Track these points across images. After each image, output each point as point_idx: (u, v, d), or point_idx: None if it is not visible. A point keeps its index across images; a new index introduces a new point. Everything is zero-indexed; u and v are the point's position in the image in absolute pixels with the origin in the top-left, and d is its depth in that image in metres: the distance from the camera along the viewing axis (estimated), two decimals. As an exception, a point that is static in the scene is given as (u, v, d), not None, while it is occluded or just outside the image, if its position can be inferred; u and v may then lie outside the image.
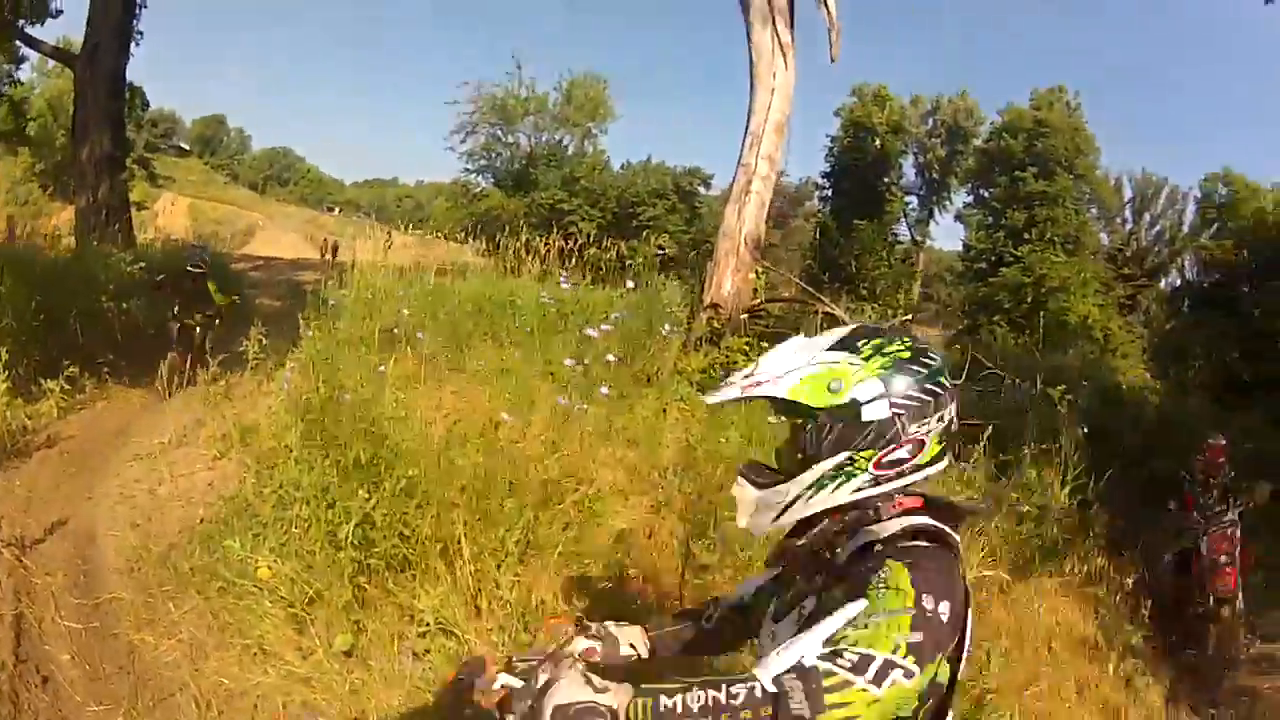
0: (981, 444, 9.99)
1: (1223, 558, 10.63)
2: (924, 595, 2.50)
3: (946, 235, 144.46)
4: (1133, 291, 61.37)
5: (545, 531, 7.94)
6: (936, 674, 2.65)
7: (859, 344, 2.95)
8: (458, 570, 7.17)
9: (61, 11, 16.97)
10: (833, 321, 13.69)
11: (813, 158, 64.84)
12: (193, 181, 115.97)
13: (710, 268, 14.69)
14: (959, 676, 2.84)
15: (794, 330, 13.90)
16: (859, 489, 2.86)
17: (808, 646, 2.48)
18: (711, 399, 3.17)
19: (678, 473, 9.76)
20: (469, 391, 11.53)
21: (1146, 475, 12.37)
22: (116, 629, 7.59)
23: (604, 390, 10.71)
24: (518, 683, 2.89)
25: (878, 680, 2.37)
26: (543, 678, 2.67)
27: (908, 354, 2.92)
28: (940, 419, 2.89)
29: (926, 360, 2.93)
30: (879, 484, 2.86)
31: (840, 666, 2.37)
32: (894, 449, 2.84)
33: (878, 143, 60.77)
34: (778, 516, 3.01)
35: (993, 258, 57.95)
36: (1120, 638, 8.86)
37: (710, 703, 2.35)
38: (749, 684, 2.38)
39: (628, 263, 16.31)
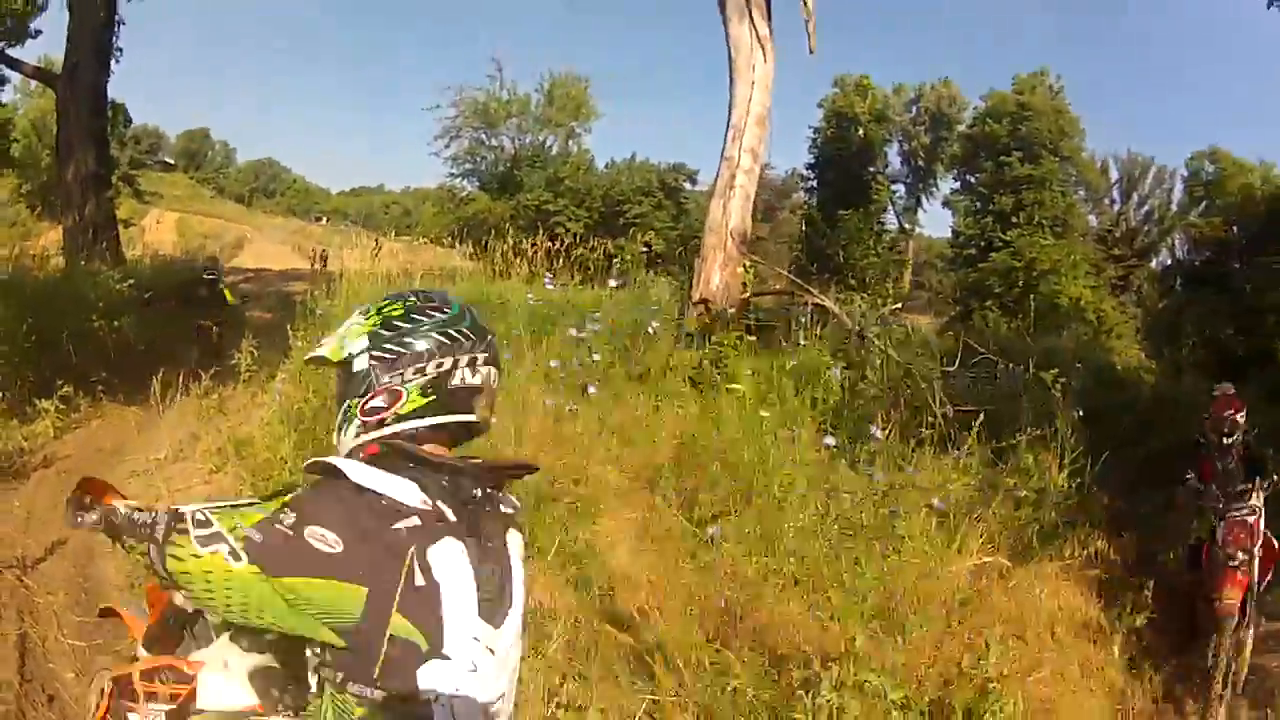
0: (975, 430, 9.98)
1: (1238, 555, 8.88)
2: (287, 510, 2.75)
3: (935, 222, 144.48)
4: (1124, 272, 61.49)
5: (541, 533, 7.92)
6: (329, 599, 2.68)
7: (372, 306, 3.18)
8: None
9: (40, 32, 17.04)
10: (823, 313, 13.73)
11: (797, 149, 65.06)
12: (179, 196, 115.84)
13: (698, 263, 14.67)
14: (438, 638, 2.81)
15: (784, 322, 13.92)
16: (357, 434, 3.04)
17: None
18: (309, 357, 3.46)
19: (673, 469, 9.71)
20: None
21: (1143, 455, 12.34)
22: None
23: (592, 389, 10.79)
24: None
25: (203, 543, 2.74)
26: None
27: (399, 311, 3.09)
28: (420, 371, 2.99)
29: (414, 317, 3.06)
30: (366, 430, 3.02)
31: (194, 520, 2.80)
32: (371, 397, 3.02)
33: (861, 132, 60.36)
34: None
35: (982, 243, 57.91)
36: (1123, 621, 8.82)
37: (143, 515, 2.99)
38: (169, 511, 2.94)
39: (615, 261, 16.30)
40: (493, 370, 3.11)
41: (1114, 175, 70.65)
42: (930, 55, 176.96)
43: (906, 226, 79.23)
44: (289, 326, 12.85)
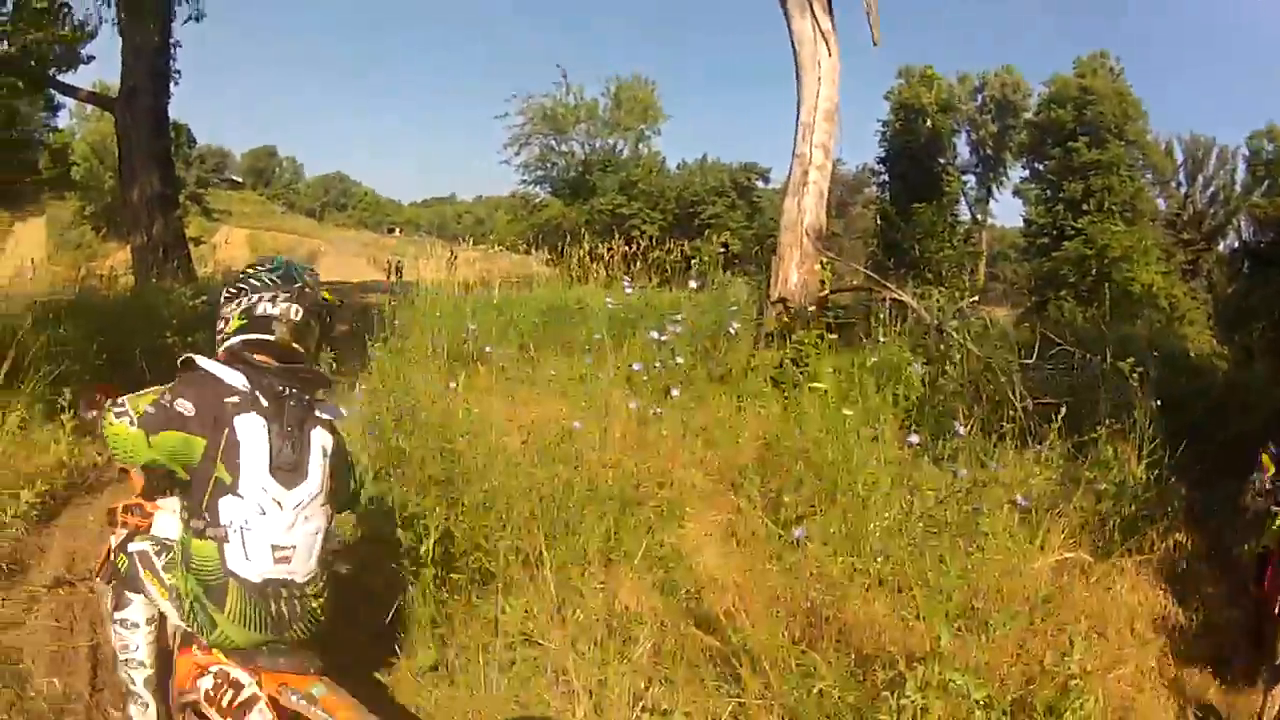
0: (1056, 424, 9.91)
1: None
2: (168, 391, 4.75)
3: (1007, 212, 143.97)
4: (1193, 256, 60.97)
5: (627, 537, 7.96)
6: (180, 446, 4.65)
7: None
8: (540, 580, 7.18)
9: (93, 58, 17.23)
10: (901, 308, 13.69)
11: (867, 143, 64.36)
12: (248, 213, 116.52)
13: (775, 262, 14.58)
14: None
15: (864, 319, 13.88)
16: (217, 346, 5.13)
17: None
18: None
19: (757, 470, 9.68)
20: (542, 402, 11.58)
21: (1219, 443, 12.19)
22: None
23: (674, 392, 10.73)
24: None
25: (117, 417, 4.74)
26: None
27: (247, 270, 5.28)
28: (238, 305, 5.05)
29: (247, 272, 5.24)
30: (222, 344, 5.07)
31: (116, 404, 4.83)
32: (218, 321, 5.14)
33: (928, 123, 59.57)
34: None
35: (1054, 231, 57.48)
36: (1199, 617, 8.72)
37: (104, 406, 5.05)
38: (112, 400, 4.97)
39: (692, 263, 16.31)
40: (293, 306, 5.04)
41: (1179, 157, 69.97)
42: (989, 41, 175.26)
43: (979, 217, 78.80)
44: (367, 337, 13.04)
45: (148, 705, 5.32)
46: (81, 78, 30.11)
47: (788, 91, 15.58)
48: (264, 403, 4.72)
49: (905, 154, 59.04)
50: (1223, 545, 10.03)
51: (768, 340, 13.37)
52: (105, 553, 5.66)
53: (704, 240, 19.01)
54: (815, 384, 10.84)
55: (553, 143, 68.38)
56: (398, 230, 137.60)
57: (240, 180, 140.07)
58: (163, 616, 5.26)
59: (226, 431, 4.61)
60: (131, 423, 4.66)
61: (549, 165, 68.75)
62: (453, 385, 10.52)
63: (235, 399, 4.67)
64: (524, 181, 69.77)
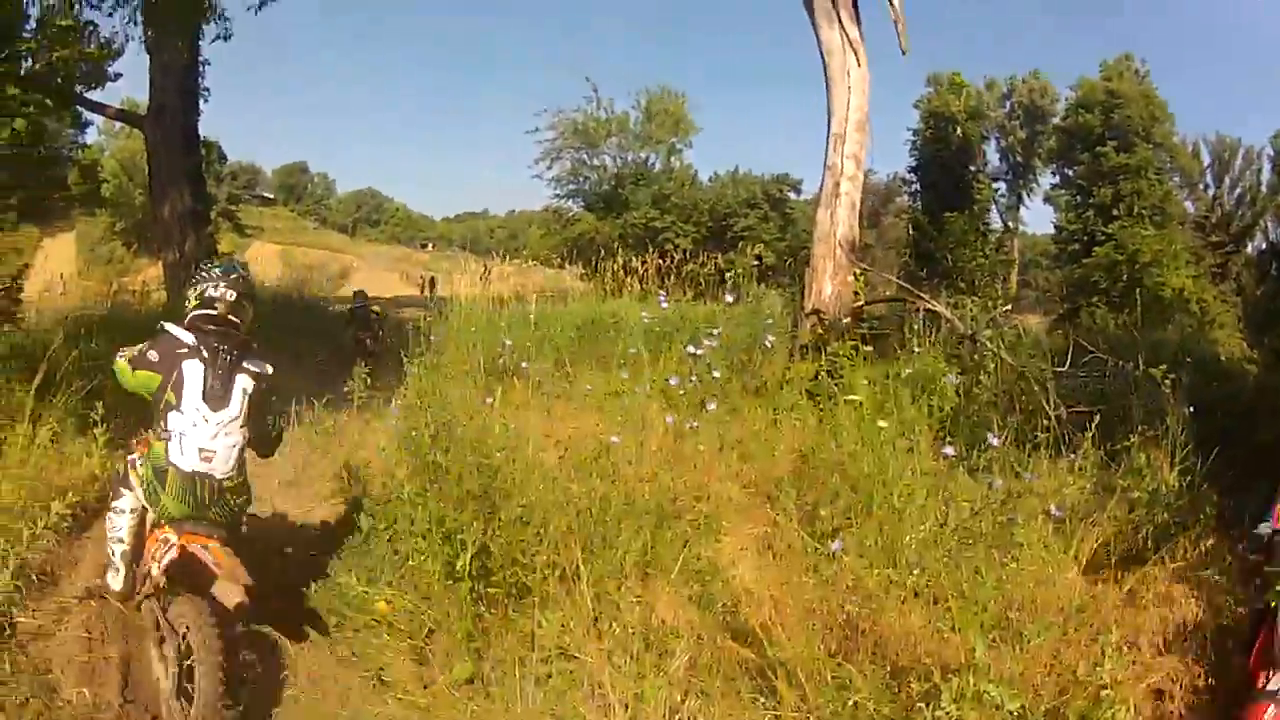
0: (1090, 433, 9.89)
1: None
2: (144, 344, 7.50)
3: (1038, 219, 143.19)
4: (1222, 259, 60.57)
5: (664, 551, 8.02)
6: (146, 380, 7.39)
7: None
8: (576, 594, 7.25)
9: (120, 75, 17.37)
10: (935, 318, 13.72)
11: (898, 152, 63.98)
12: (280, 229, 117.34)
13: (808, 274, 14.51)
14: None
15: (898, 330, 13.88)
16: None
17: None
18: None
19: (793, 483, 9.68)
20: (578, 416, 11.73)
21: (1250, 449, 12.13)
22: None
23: (711, 406, 10.79)
24: None
25: (119, 358, 7.66)
26: None
27: (203, 267, 8.15)
28: (196, 290, 7.74)
29: (201, 268, 8.09)
30: (186, 316, 7.62)
31: (121, 351, 7.78)
32: (185, 302, 7.79)
33: (958, 131, 59.07)
34: None
35: (1084, 237, 57.06)
36: (1232, 625, 8.69)
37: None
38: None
39: (726, 275, 16.34)
40: (230, 291, 7.62)
41: (1205, 159, 69.61)
42: (1016, 45, 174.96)
43: (1010, 225, 78.51)
44: (403, 353, 13.13)
45: (119, 570, 7.95)
46: (109, 94, 30.40)
47: (818, 101, 15.56)
48: (204, 353, 7.35)
49: (936, 162, 58.50)
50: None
51: (802, 353, 13.31)
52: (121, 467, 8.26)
53: (737, 253, 19.05)
54: (851, 396, 10.81)
55: (584, 157, 67.68)
56: (430, 245, 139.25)
57: (271, 196, 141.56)
58: (143, 512, 7.70)
59: (176, 371, 7.27)
60: (128, 361, 7.63)
61: (581, 179, 68.03)
62: (489, 400, 10.62)
63: (185, 350, 7.35)
64: (556, 196, 69.05)
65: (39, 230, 76.69)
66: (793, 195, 67.27)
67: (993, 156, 76.82)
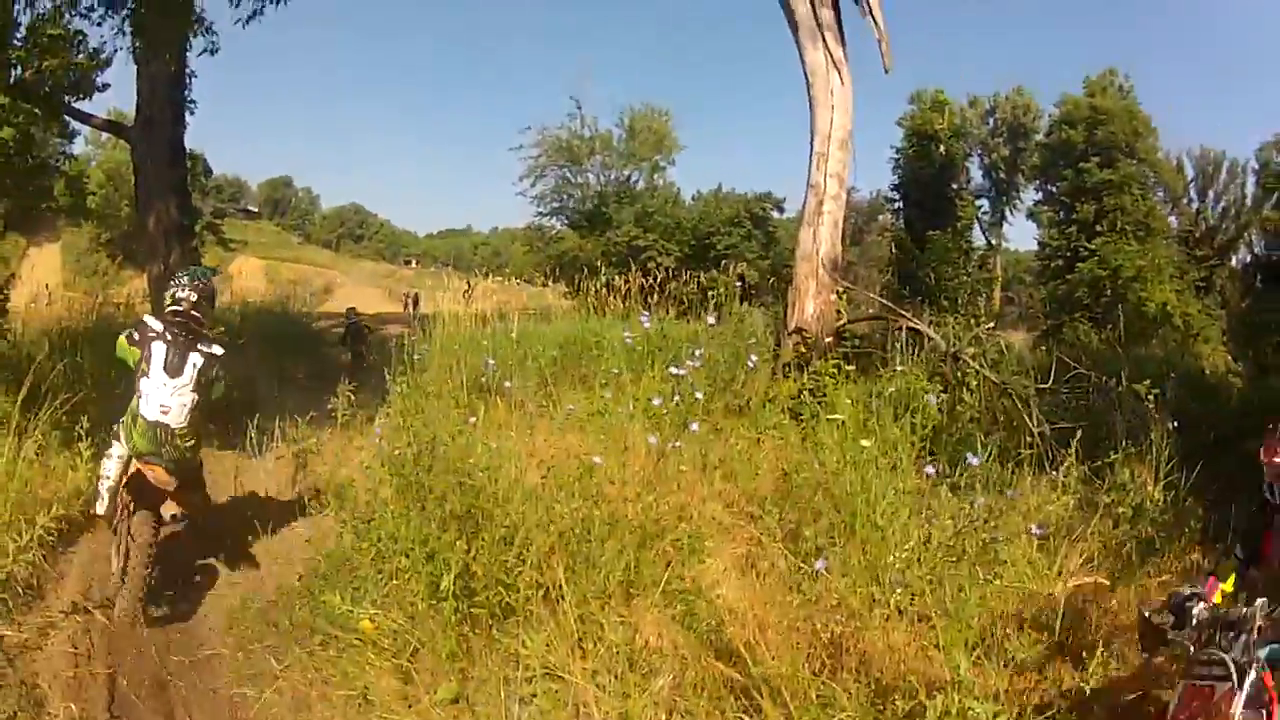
0: (1073, 449, 9.89)
1: None
2: (130, 328, 10.13)
3: (1021, 235, 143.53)
4: (1206, 272, 60.54)
5: (647, 571, 8.00)
6: (129, 354, 9.85)
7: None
8: (560, 614, 7.20)
9: (108, 85, 17.37)
10: (917, 336, 13.74)
11: (881, 169, 63.62)
12: (264, 243, 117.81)
13: (791, 292, 14.52)
14: None
15: (880, 349, 13.90)
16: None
17: None
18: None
19: (776, 502, 9.73)
20: (561, 436, 11.77)
21: (1234, 462, 12.12)
22: (215, 684, 8.09)
23: (694, 426, 10.76)
24: None
25: (121, 337, 10.04)
26: None
27: (177, 274, 11.00)
28: (169, 291, 10.30)
29: (175, 274, 10.91)
30: (163, 309, 10.41)
31: (122, 334, 10.09)
32: (163, 299, 10.73)
33: (942, 149, 58.84)
34: None
35: (1068, 253, 56.67)
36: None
37: None
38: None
39: (709, 294, 16.32)
40: (192, 293, 10.03)
41: (1189, 173, 69.73)
42: (999, 62, 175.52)
43: (993, 242, 78.42)
44: (386, 371, 13.25)
45: (104, 499, 9.85)
46: (97, 105, 30.23)
47: (801, 118, 15.58)
48: (168, 337, 9.71)
49: (919, 180, 57.65)
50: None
51: (785, 371, 13.38)
52: None
53: (720, 271, 19.01)
54: (833, 415, 10.80)
55: (568, 174, 66.93)
56: (414, 262, 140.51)
57: (256, 210, 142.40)
58: (127, 459, 9.74)
59: (148, 349, 9.67)
60: (126, 339, 9.92)
61: (565, 197, 67.19)
62: (472, 420, 10.74)
63: (154, 334, 9.72)
64: (540, 213, 67.77)
65: (25, 240, 77.01)
66: (775, 214, 66.99)
67: (976, 173, 76.93)
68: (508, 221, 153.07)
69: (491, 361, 14.21)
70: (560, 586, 7.27)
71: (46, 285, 27.47)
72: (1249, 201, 65.95)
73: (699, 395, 11.66)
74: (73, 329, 18.15)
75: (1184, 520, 9.62)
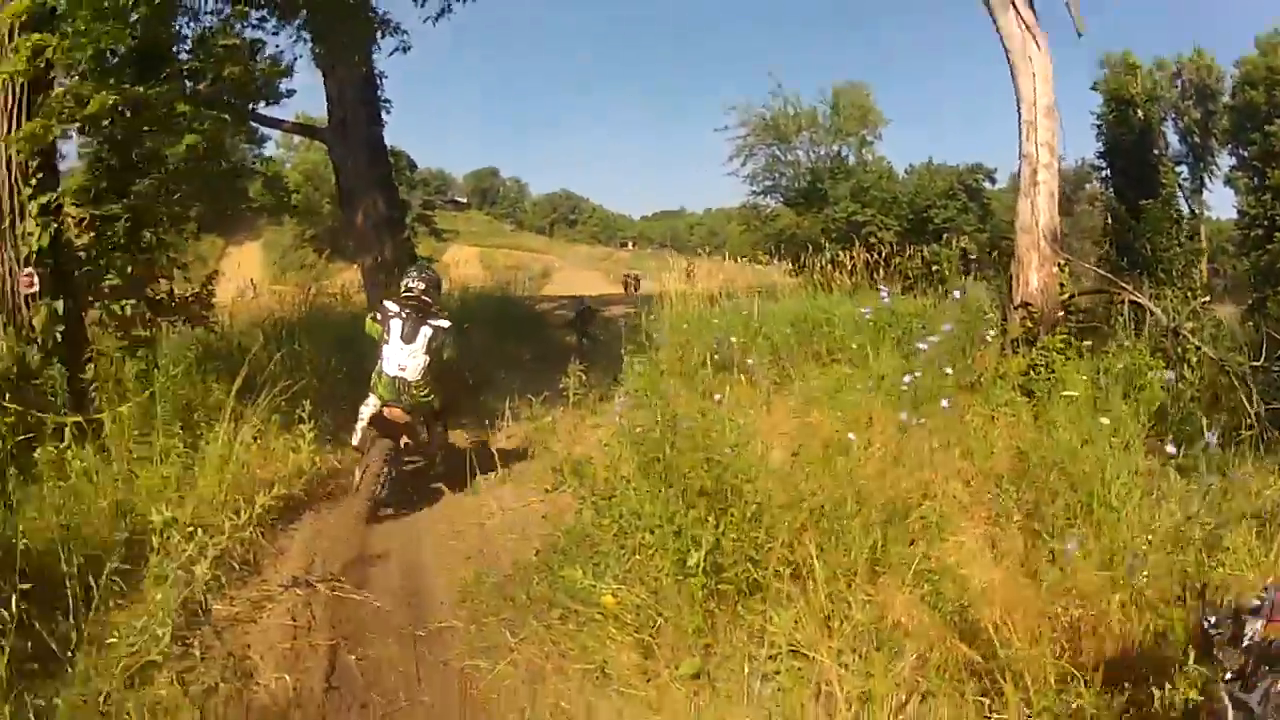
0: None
1: None
2: (374, 310, 13.75)
3: (1221, 203, 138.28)
4: None
5: (893, 549, 8.00)
6: (375, 330, 12.41)
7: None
8: (810, 592, 7.24)
9: (294, 91, 17.70)
10: (1137, 310, 13.60)
11: (1083, 137, 61.32)
12: (475, 232, 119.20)
13: (1014, 265, 14.28)
14: None
15: (1104, 323, 13.67)
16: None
17: None
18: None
19: (1013, 481, 9.71)
20: (800, 412, 11.83)
21: None
22: (446, 658, 7.98)
23: (944, 403, 10.78)
24: None
25: (369, 318, 12.87)
26: None
27: (410, 267, 13.93)
28: (401, 281, 12.93)
29: (408, 268, 13.98)
30: (398, 294, 12.81)
31: (369, 317, 12.87)
32: (399, 288, 13.09)
33: (1139, 114, 56.02)
34: None
35: (1265, 222, 54.12)
36: None
37: None
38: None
39: (933, 269, 16.26)
40: (419, 282, 12.54)
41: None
42: (1173, 20, 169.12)
43: (1195, 210, 75.72)
44: (621, 351, 13.58)
45: (357, 434, 12.21)
46: (285, 109, 30.83)
47: (1002, 88, 15.36)
48: (403, 315, 12.08)
49: (1121, 148, 55.62)
50: None
51: (1014, 347, 13.29)
52: None
53: (941, 245, 18.89)
54: (1068, 391, 10.64)
55: (777, 152, 66.86)
56: (631, 244, 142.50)
57: (465, 201, 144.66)
58: (377, 406, 12.06)
59: (387, 325, 12.04)
60: (369, 320, 12.57)
61: (776, 175, 67.33)
62: (718, 397, 10.74)
63: (392, 313, 12.10)
64: (753, 192, 68.20)
65: (224, 241, 79.87)
66: (988, 185, 66.27)
67: (1172, 138, 73.77)
68: (720, 201, 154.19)
69: (734, 339, 14.49)
70: (812, 564, 7.30)
71: (251, 280, 28.10)
72: None
73: (949, 370, 11.76)
74: (287, 320, 18.90)
75: None
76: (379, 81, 25.73)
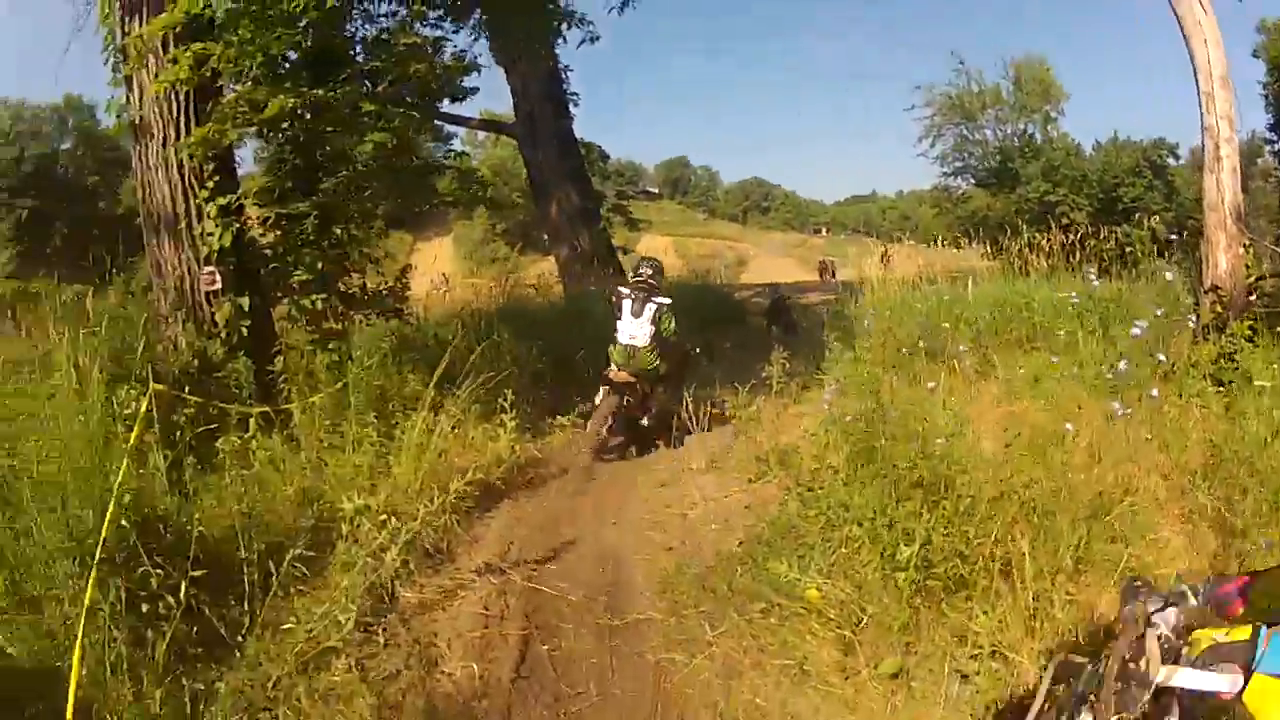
0: None
1: None
2: (611, 294, 15.90)
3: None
4: None
5: (1096, 546, 7.77)
6: (613, 309, 14.98)
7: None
8: (1017, 589, 7.09)
9: (477, 89, 17.73)
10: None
11: (1251, 109, 59.17)
12: (668, 221, 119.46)
13: (1203, 246, 13.68)
14: None
15: (1288, 306, 13.05)
16: None
17: None
18: None
19: (1205, 475, 9.24)
20: (1005, 401, 11.71)
21: None
22: (641, 650, 7.80)
23: (1154, 393, 10.49)
24: None
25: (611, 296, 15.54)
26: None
27: (639, 260, 16.72)
28: (632, 270, 16.64)
29: (637, 261, 17.81)
30: (629, 280, 16.27)
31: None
32: (630, 275, 16.59)
33: None
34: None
35: None
36: None
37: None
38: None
39: (1126, 250, 15.89)
40: (646, 269, 14.93)
41: None
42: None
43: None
44: (822, 338, 14.24)
45: (600, 393, 14.38)
46: (469, 106, 31.29)
47: (1174, 57, 14.82)
48: (634, 296, 14.38)
49: None
50: None
51: (1204, 333, 12.60)
52: None
53: (1133, 226, 18.39)
54: (1261, 382, 10.16)
55: (965, 132, 66.76)
56: (824, 230, 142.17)
57: (656, 191, 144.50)
58: (613, 368, 14.24)
59: (621, 303, 14.47)
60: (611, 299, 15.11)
61: (965, 155, 67.22)
62: (931, 385, 10.63)
63: (625, 294, 14.53)
64: (944, 173, 68.44)
65: (412, 237, 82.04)
66: (1170, 161, 64.77)
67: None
68: (912, 184, 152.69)
69: (944, 325, 14.56)
70: (1023, 558, 7.16)
71: (444, 274, 28.53)
72: None
73: (1161, 358, 11.49)
74: (485, 311, 18.92)
75: None
76: (563, 75, 25.90)
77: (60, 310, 11.23)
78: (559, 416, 15.06)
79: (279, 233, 13.60)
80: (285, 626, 7.18)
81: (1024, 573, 7.08)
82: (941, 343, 13.67)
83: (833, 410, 10.08)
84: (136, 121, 13.03)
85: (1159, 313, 12.41)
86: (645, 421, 14.80)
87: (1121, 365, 10.90)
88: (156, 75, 12.54)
